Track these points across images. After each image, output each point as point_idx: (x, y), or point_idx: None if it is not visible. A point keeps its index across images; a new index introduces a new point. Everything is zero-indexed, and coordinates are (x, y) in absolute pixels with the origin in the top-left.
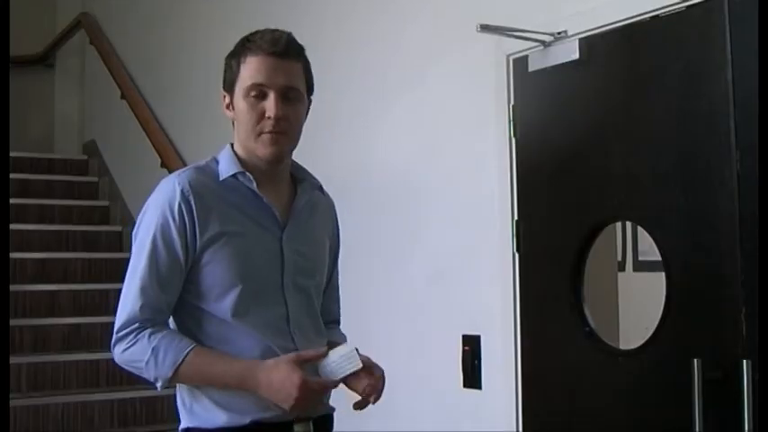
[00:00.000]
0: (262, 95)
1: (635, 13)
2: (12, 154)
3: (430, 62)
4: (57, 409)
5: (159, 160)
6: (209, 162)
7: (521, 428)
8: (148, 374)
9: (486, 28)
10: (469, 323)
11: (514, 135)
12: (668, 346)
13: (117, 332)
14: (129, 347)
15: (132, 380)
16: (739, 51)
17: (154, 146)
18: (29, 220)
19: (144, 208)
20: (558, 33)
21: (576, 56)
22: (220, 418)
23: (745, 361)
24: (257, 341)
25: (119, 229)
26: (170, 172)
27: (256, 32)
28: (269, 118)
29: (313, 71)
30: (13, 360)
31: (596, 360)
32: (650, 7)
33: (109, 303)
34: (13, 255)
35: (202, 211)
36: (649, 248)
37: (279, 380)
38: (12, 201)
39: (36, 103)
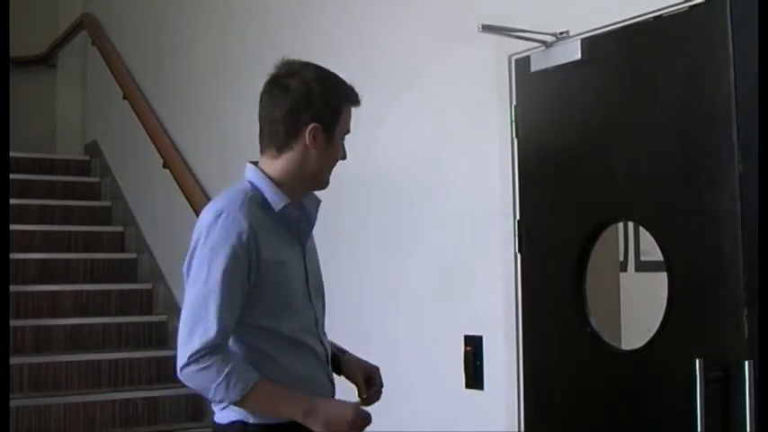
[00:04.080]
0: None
1: (637, 14)
2: (14, 154)
3: (432, 62)
4: (59, 409)
5: (161, 161)
6: (251, 189)
7: (523, 429)
8: (215, 396)
9: (487, 28)
10: (471, 324)
11: (516, 135)
12: (670, 346)
13: (192, 354)
14: (202, 369)
15: (134, 380)
16: (741, 52)
17: (155, 146)
18: (30, 221)
19: (206, 234)
20: (560, 34)
21: (578, 56)
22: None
23: (746, 361)
24: (303, 347)
25: (120, 229)
26: (171, 172)
27: (344, 80)
28: (342, 158)
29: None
30: (15, 360)
31: (598, 360)
32: (652, 8)
33: (110, 304)
34: (15, 255)
35: (262, 241)
36: (651, 249)
37: (336, 405)
38: (14, 201)
39: (38, 103)
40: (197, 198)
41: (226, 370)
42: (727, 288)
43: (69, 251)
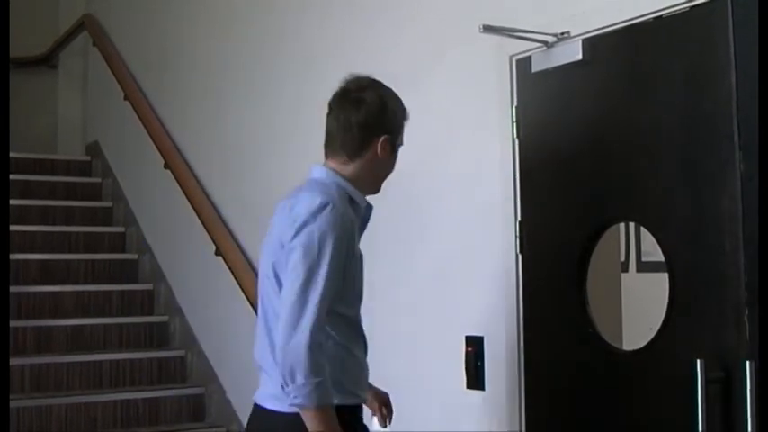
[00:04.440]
0: None
1: (638, 14)
2: (15, 155)
3: (432, 63)
4: (60, 409)
5: (162, 161)
6: (336, 191)
7: (524, 429)
8: (294, 385)
9: (488, 29)
10: (473, 324)
11: (517, 136)
12: (671, 346)
13: (312, 328)
14: (310, 355)
15: (135, 381)
16: (742, 52)
17: (156, 147)
18: (32, 221)
19: (313, 220)
20: (561, 34)
21: (579, 56)
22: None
23: (747, 361)
24: (362, 336)
25: (122, 230)
26: (172, 173)
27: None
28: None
29: (315, 75)
30: (17, 361)
31: (599, 360)
32: (653, 8)
33: (112, 304)
34: (16, 256)
35: (355, 236)
36: (652, 249)
37: None
38: (15, 202)
39: (39, 104)
40: (198, 199)
41: (322, 377)
42: (728, 288)
43: (70, 252)
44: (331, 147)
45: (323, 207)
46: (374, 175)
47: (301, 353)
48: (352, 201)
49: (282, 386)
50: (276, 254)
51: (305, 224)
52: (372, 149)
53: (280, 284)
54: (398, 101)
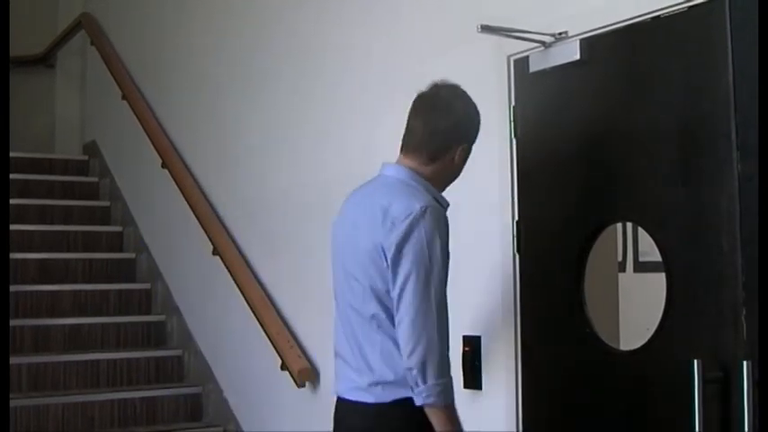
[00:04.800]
0: None
1: (636, 14)
2: (12, 154)
3: (430, 63)
4: (57, 409)
5: (160, 161)
6: (427, 192)
7: (521, 429)
8: (428, 384)
9: (486, 29)
10: (470, 324)
11: (515, 135)
12: (669, 346)
13: (438, 330)
14: (442, 354)
15: (132, 380)
16: (740, 52)
17: (154, 146)
18: (29, 221)
19: (419, 225)
20: (559, 34)
21: (577, 56)
22: None
23: (745, 362)
24: None
25: (119, 229)
26: (170, 172)
27: None
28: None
29: (312, 72)
30: (14, 360)
31: (597, 361)
32: (651, 8)
33: (109, 303)
34: (14, 255)
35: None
36: (650, 249)
37: None
38: (13, 201)
39: (37, 103)
40: (195, 198)
41: (449, 376)
42: (726, 288)
43: (68, 251)
44: (412, 145)
45: (424, 211)
46: (444, 178)
47: (431, 354)
48: (436, 201)
49: (413, 387)
50: (365, 255)
51: (411, 229)
52: (450, 155)
53: (372, 287)
54: (479, 115)
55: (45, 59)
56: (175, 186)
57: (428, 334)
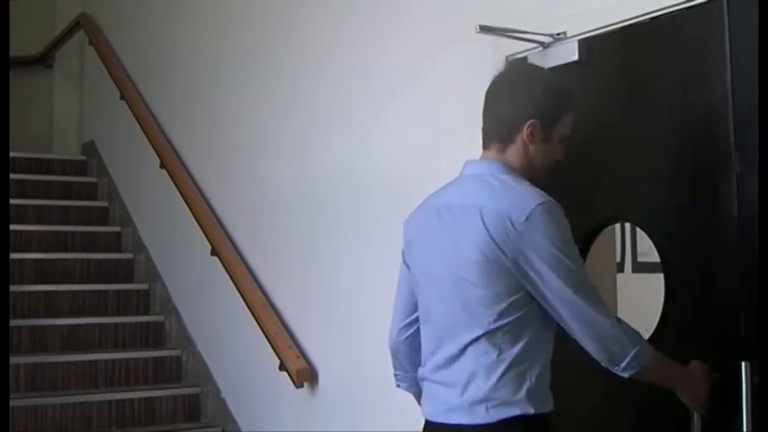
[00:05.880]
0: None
1: (634, 15)
2: (11, 154)
3: (428, 63)
4: (55, 409)
5: (158, 161)
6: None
7: None
8: (629, 358)
9: (485, 29)
10: None
11: None
12: (667, 347)
13: (607, 312)
14: (628, 331)
15: (130, 380)
16: (738, 52)
17: (152, 146)
18: (27, 221)
19: (551, 223)
20: (557, 35)
21: (576, 57)
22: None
23: (743, 363)
24: None
25: (117, 229)
26: (168, 172)
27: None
28: (556, 162)
29: (310, 71)
30: (12, 360)
31: (595, 361)
32: (649, 8)
33: (107, 304)
34: (12, 255)
35: None
36: (648, 250)
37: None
38: (11, 201)
39: (35, 103)
40: (194, 198)
41: (641, 339)
42: (724, 289)
43: (66, 251)
44: (484, 137)
45: (541, 206)
46: (538, 164)
47: (616, 334)
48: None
49: (617, 371)
50: (479, 255)
51: (538, 228)
52: (521, 134)
53: (494, 292)
54: (557, 86)
55: (43, 59)
56: (174, 186)
57: (602, 320)
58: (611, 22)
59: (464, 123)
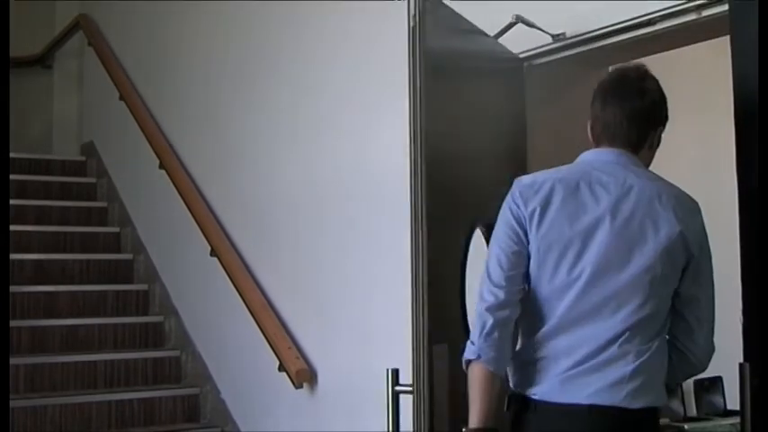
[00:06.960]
0: None
1: (634, 16)
2: (10, 155)
3: None
4: (54, 410)
5: (157, 161)
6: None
7: None
8: None
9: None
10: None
11: None
12: None
13: None
14: None
15: (130, 381)
16: (739, 52)
17: (152, 147)
18: (27, 222)
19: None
20: (557, 35)
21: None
22: None
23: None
24: None
25: (116, 230)
26: (168, 173)
27: None
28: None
29: (314, 71)
30: (11, 361)
31: None
32: (649, 9)
33: (106, 304)
34: (12, 256)
35: None
36: None
37: None
38: (10, 202)
39: (34, 104)
40: (193, 198)
41: None
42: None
43: (65, 252)
44: (617, 133)
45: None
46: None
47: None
48: None
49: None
50: (660, 252)
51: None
52: (650, 141)
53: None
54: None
55: (42, 60)
56: (173, 187)
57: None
58: (611, 22)
59: None
